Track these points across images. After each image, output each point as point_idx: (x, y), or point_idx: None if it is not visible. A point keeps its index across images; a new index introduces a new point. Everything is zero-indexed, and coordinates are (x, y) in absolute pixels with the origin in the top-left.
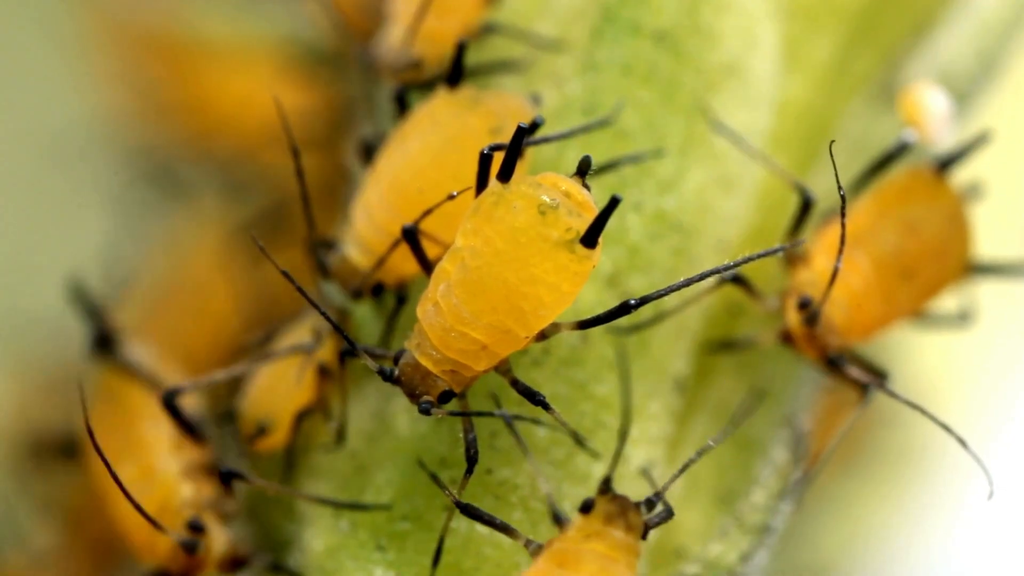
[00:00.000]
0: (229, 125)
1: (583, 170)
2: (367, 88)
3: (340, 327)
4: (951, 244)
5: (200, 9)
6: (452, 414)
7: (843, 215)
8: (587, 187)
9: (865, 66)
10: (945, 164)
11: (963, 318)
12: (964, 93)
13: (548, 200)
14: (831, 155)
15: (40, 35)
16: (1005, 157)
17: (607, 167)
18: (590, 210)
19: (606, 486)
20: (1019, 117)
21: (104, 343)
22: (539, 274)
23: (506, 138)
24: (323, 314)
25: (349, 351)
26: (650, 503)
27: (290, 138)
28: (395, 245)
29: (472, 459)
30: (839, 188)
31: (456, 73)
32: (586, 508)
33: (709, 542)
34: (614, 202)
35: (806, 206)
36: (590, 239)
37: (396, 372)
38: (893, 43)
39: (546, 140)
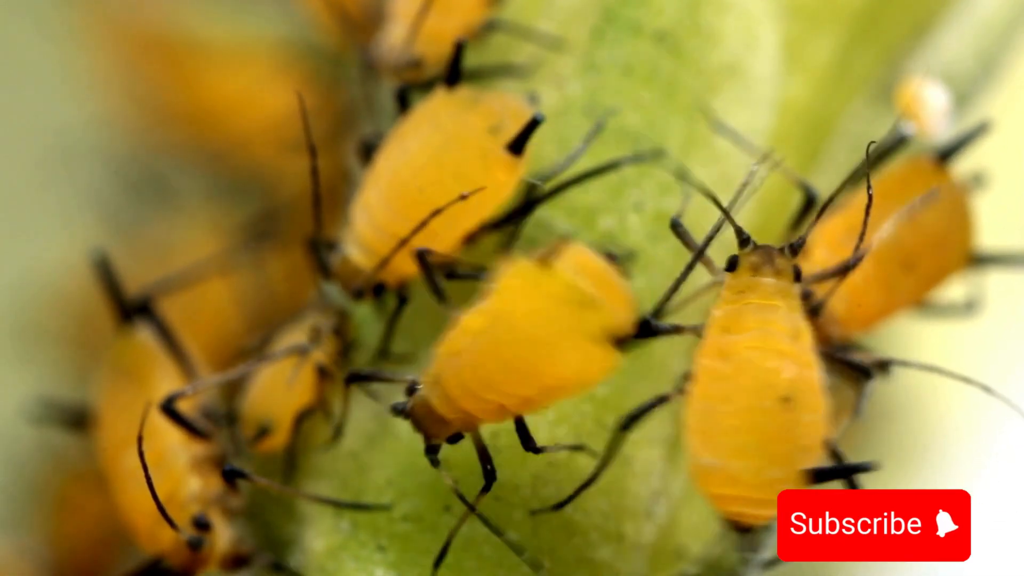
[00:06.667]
0: (227, 127)
1: (616, 256)
2: (367, 88)
3: (320, 347)
4: (952, 235)
5: (198, 10)
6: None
7: (867, 216)
8: (615, 259)
9: (866, 66)
10: (945, 155)
11: (969, 308)
12: (964, 93)
13: (589, 294)
14: (867, 155)
15: (35, 37)
16: (1006, 157)
17: (607, 167)
18: (625, 303)
19: (744, 240)
20: (1020, 117)
21: (132, 314)
22: (569, 362)
23: (506, 136)
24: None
25: (356, 376)
26: (793, 248)
27: (308, 137)
28: (398, 247)
29: (490, 476)
30: (868, 189)
31: (454, 73)
32: (731, 266)
33: (710, 542)
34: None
35: (809, 203)
36: (622, 343)
37: (409, 408)
38: (893, 43)
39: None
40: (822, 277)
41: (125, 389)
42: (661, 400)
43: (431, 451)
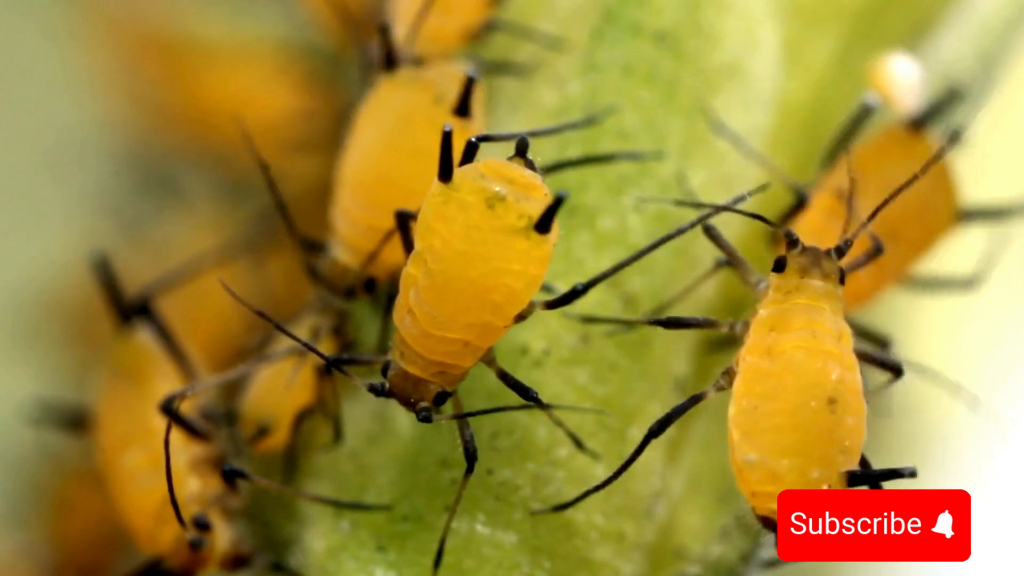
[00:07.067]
0: (227, 127)
1: (521, 151)
2: (367, 88)
3: (320, 347)
4: (934, 199)
5: (198, 10)
6: (453, 417)
7: (850, 196)
8: (531, 165)
9: (866, 67)
10: (919, 123)
11: (970, 282)
12: (964, 93)
13: (495, 190)
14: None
15: (37, 38)
16: (1006, 157)
17: (605, 159)
18: (538, 190)
19: (792, 240)
20: (1020, 117)
21: (131, 315)
22: (502, 265)
23: (450, 104)
24: (305, 345)
25: (337, 361)
26: (839, 250)
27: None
28: (388, 237)
29: (471, 457)
30: (850, 172)
31: (390, 57)
32: (779, 267)
33: (710, 542)
34: (559, 200)
35: (799, 204)
36: (543, 226)
37: (387, 385)
38: (893, 43)
39: (530, 134)
40: (851, 269)
41: (124, 390)
42: (696, 399)
43: (423, 416)
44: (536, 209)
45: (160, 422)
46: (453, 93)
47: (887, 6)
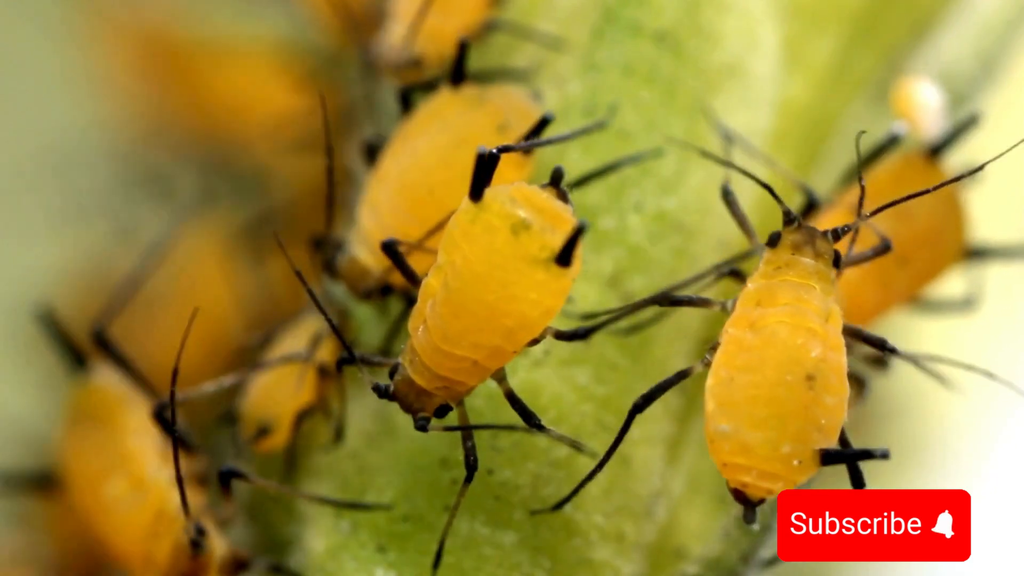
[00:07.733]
0: (228, 127)
1: (556, 180)
2: (367, 88)
3: (342, 337)
4: (946, 229)
5: (199, 10)
6: (449, 429)
7: (860, 209)
8: (564, 196)
9: (866, 66)
10: (936, 150)
11: (967, 304)
12: (964, 93)
13: (522, 217)
14: (857, 147)
15: (38, 38)
16: (1006, 157)
17: (608, 168)
18: (565, 223)
19: (789, 217)
20: (1020, 117)
21: (84, 361)
22: (519, 292)
23: (514, 134)
24: (332, 325)
25: (347, 359)
26: (835, 232)
27: (327, 136)
28: (389, 270)
29: (471, 466)
30: (860, 181)
31: (459, 72)
32: (772, 241)
33: (710, 542)
34: (581, 229)
35: (810, 205)
36: (563, 258)
37: (391, 388)
38: (893, 43)
39: (546, 143)
40: (849, 263)
41: (91, 433)
42: (683, 375)
43: (419, 425)
44: (560, 242)
45: (136, 447)
46: (518, 124)
47: (887, 6)
